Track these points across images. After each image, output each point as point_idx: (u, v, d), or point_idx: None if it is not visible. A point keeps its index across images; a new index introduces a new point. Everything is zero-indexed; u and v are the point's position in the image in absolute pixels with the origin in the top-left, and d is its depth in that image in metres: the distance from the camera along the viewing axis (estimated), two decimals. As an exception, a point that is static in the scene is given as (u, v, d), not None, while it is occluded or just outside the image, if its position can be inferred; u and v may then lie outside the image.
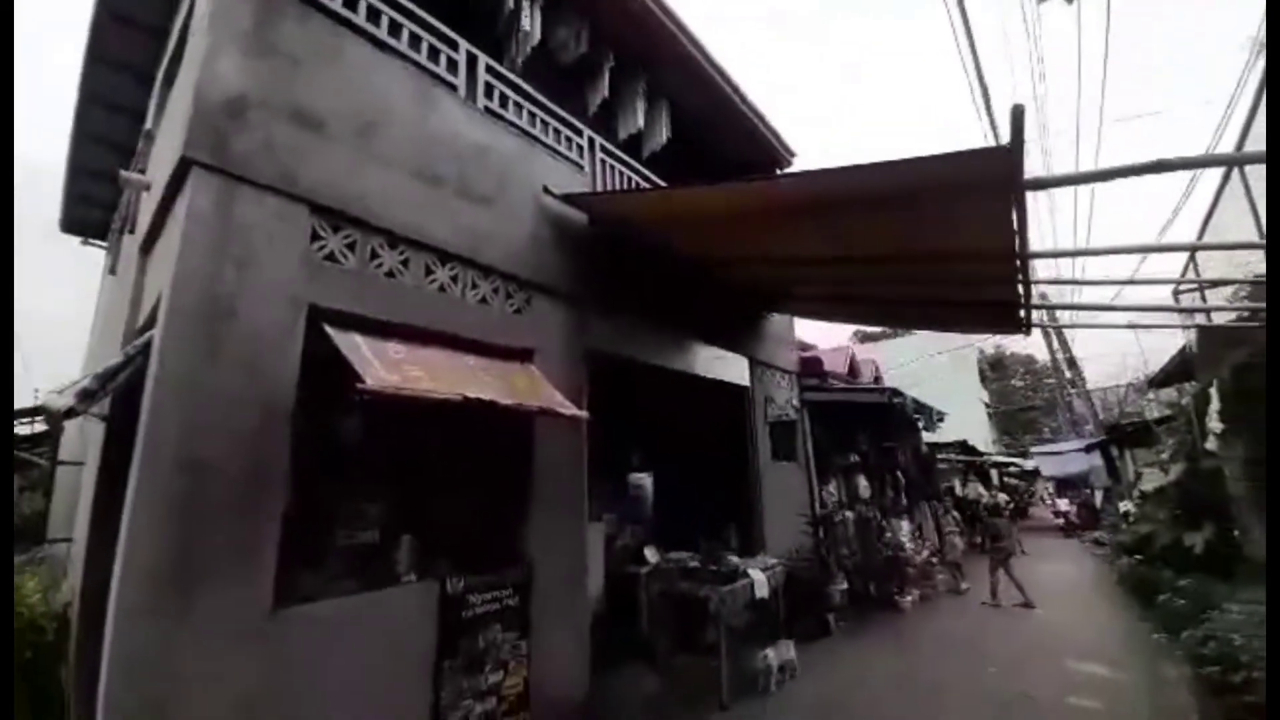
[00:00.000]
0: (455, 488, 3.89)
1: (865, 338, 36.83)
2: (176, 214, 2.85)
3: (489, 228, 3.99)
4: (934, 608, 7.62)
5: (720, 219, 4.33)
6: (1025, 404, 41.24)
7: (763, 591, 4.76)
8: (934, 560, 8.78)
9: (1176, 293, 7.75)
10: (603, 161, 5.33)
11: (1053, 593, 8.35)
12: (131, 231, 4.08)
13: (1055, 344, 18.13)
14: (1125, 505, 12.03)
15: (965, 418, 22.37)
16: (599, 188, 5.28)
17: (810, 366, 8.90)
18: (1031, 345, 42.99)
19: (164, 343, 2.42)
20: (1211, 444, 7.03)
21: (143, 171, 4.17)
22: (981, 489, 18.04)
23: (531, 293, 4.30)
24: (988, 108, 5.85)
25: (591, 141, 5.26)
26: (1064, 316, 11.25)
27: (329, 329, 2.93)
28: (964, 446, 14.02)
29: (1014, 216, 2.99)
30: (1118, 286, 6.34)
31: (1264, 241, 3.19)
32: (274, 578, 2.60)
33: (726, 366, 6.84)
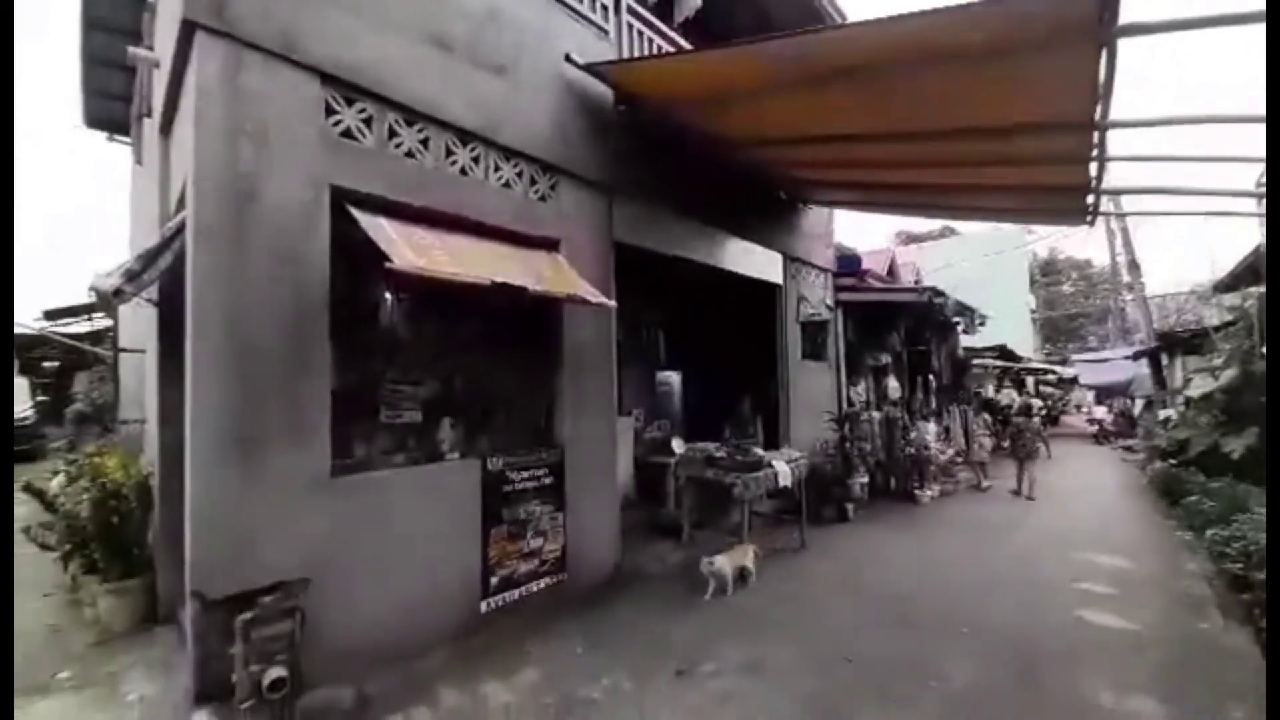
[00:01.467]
0: (491, 373, 4.02)
1: (909, 239, 34.81)
2: (187, 86, 2.74)
3: (507, 102, 3.73)
4: (951, 500, 7.84)
5: (756, 89, 3.92)
6: (1075, 310, 39.31)
7: (785, 481, 4.94)
8: (958, 459, 8.90)
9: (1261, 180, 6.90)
10: (629, 25, 4.81)
11: (1076, 491, 8.46)
12: (149, 115, 3.99)
13: (1119, 243, 16.74)
14: (1166, 412, 11.71)
15: (1009, 322, 21.51)
16: (626, 54, 4.81)
17: (847, 265, 8.53)
18: (1091, 246, 40.09)
19: (196, 226, 2.43)
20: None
21: (150, 48, 3.98)
22: (1015, 395, 17.80)
23: (557, 178, 4.11)
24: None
25: (617, 1, 4.72)
26: (1130, 205, 10.25)
27: (353, 210, 2.89)
28: (1003, 351, 13.61)
29: (1100, 72, 2.60)
30: (1197, 164, 5.65)
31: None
32: (329, 447, 2.81)
33: (759, 262, 6.60)
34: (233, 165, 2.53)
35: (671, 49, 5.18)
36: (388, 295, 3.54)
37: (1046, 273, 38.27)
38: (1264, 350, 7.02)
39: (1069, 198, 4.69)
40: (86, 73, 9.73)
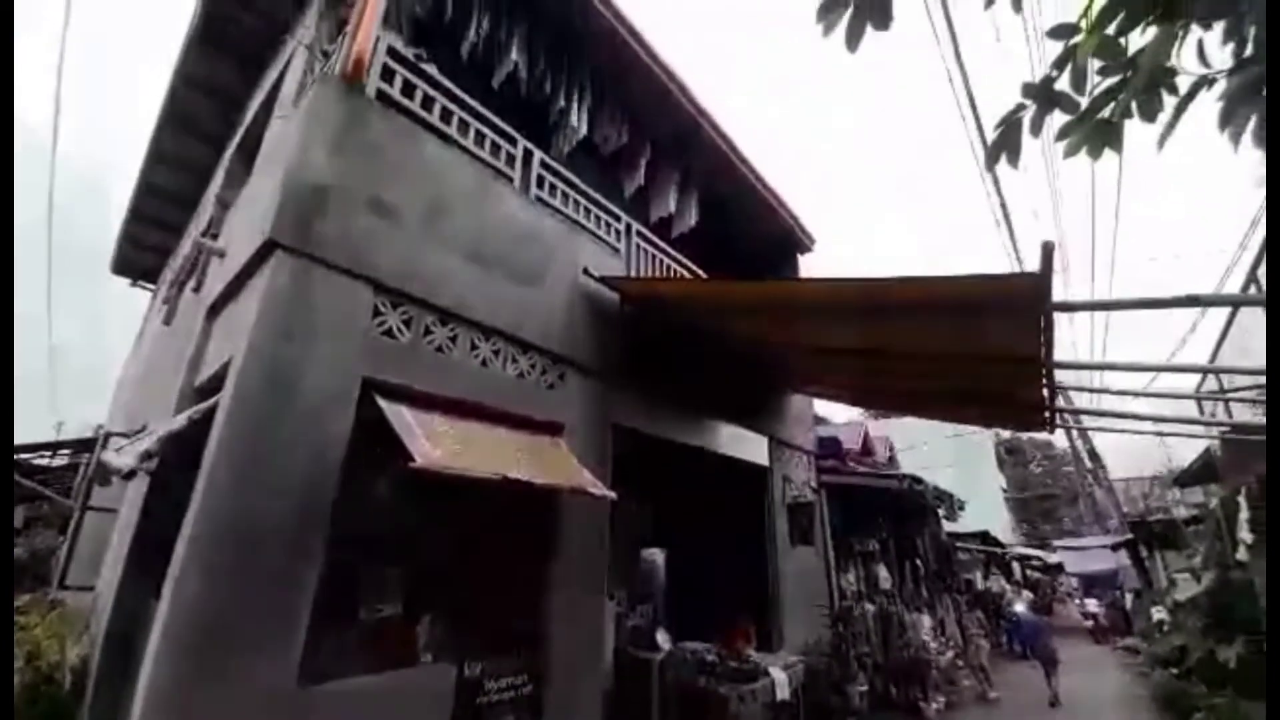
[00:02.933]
0: (479, 563, 3.86)
1: (879, 414, 36.47)
2: (253, 287, 3.06)
3: (531, 306, 4.20)
4: (961, 716, 7.12)
5: (749, 308, 4.53)
6: (1044, 491, 39.95)
7: (784, 692, 4.53)
8: (959, 663, 8.28)
9: (1199, 400, 7.73)
10: (638, 246, 5.64)
11: (1091, 707, 7.78)
12: (196, 290, 4.34)
13: (1076, 435, 17.82)
14: (1158, 613, 11.37)
15: (983, 504, 21.70)
16: (633, 269, 5.54)
17: (828, 446, 8.84)
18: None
19: (231, 413, 2.54)
20: (1243, 554, 6.77)
21: (215, 236, 4.49)
22: (1004, 583, 17.22)
23: (565, 368, 4.44)
24: (1008, 223, 6.17)
25: (629, 226, 5.59)
26: (1087, 419, 11.16)
27: (380, 400, 3.06)
28: (985, 537, 13.52)
29: (1040, 332, 3.11)
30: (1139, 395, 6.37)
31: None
32: (300, 651, 2.58)
33: (746, 445, 6.84)
34: (280, 362, 2.74)
35: (673, 263, 6.02)
36: (385, 483, 3.54)
37: (1012, 453, 39.59)
38: (1239, 552, 7.18)
39: (1030, 411, 5.17)
40: (129, 225, 10.65)
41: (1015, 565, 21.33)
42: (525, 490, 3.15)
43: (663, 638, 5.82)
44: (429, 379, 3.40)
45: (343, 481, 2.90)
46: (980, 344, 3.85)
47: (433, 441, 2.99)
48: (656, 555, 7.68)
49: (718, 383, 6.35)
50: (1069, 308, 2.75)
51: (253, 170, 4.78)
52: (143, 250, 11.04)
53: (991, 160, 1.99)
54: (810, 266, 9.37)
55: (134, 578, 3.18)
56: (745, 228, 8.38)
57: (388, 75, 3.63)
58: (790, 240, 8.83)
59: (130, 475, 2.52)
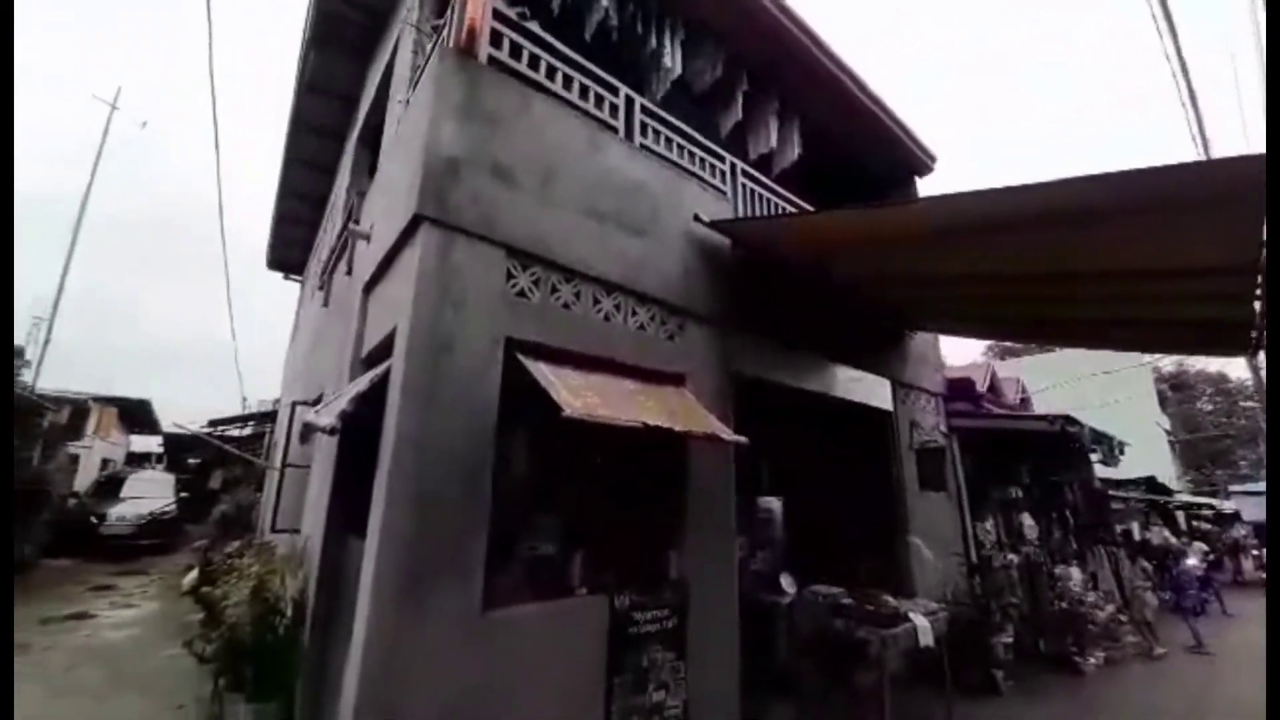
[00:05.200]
0: (616, 506, 4.08)
1: (1005, 352, 32.85)
2: (404, 261, 3.34)
3: (645, 257, 4.19)
4: (1123, 672, 6.52)
5: (869, 241, 4.17)
6: (1216, 432, 34.32)
7: (927, 639, 4.39)
8: (1121, 617, 7.53)
9: None
10: (743, 185, 5.39)
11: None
12: (349, 273, 4.83)
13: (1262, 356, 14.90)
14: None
15: (1142, 447, 19.01)
16: (740, 211, 5.32)
17: (958, 389, 8.15)
18: (1222, 361, 35.89)
19: (405, 373, 2.83)
20: None
21: (357, 222, 4.94)
22: (1168, 534, 15.24)
23: (683, 319, 4.42)
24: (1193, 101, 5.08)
25: (733, 167, 5.35)
26: None
27: (522, 358, 3.25)
28: (1151, 484, 11.93)
29: (1263, 228, 2.56)
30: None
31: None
32: (483, 582, 2.90)
33: (867, 389, 6.49)
34: (437, 325, 2.98)
35: (780, 202, 5.69)
36: (531, 432, 3.79)
37: (1177, 388, 34.25)
38: None
39: (1226, 332, 4.36)
40: (277, 225, 12.04)
41: (1179, 515, 18.70)
42: (663, 437, 3.23)
43: (786, 582, 5.86)
44: (558, 336, 3.55)
45: (498, 433, 3.14)
46: (1167, 252, 3.26)
47: (572, 394, 3.14)
48: (773, 503, 7.65)
49: (834, 324, 6.03)
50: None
51: (379, 156, 5.16)
52: (289, 246, 12.54)
53: None
54: (930, 189, 8.47)
55: (337, 521, 3.74)
56: (853, 154, 7.69)
57: (495, 39, 3.67)
58: (906, 161, 7.98)
59: (334, 431, 2.92)
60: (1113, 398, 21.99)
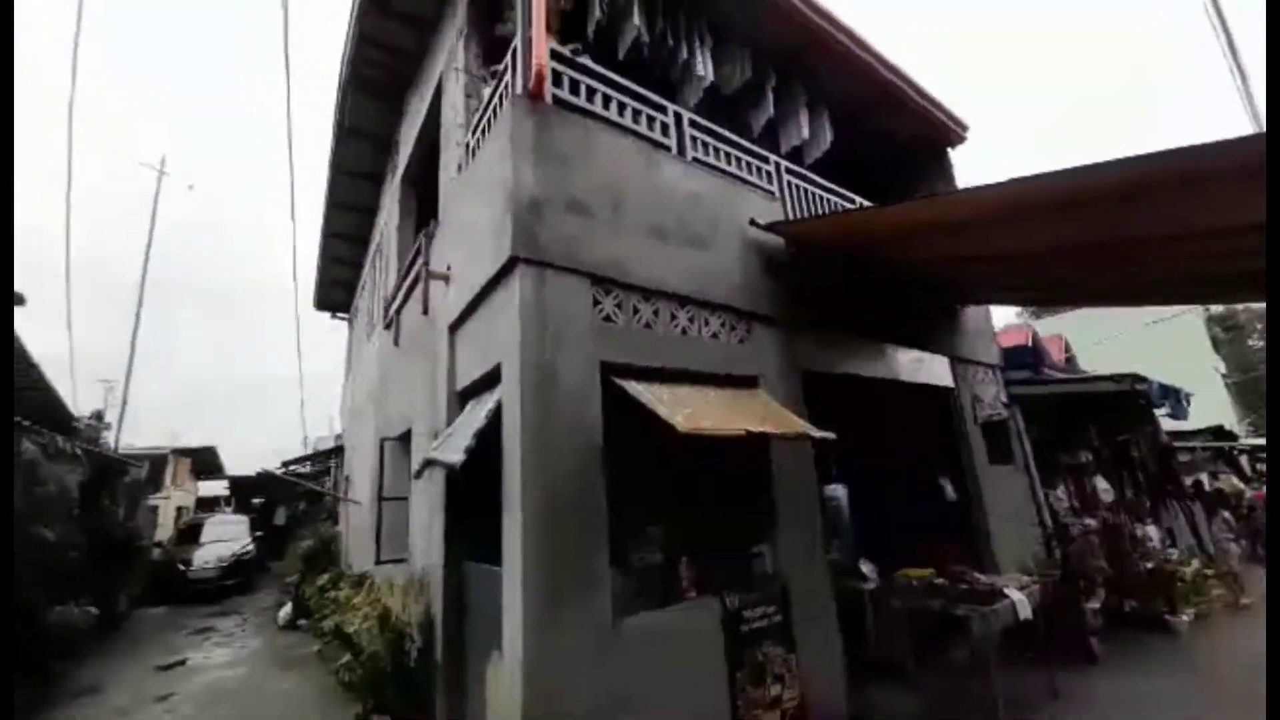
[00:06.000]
0: (709, 509, 4.23)
1: (1040, 310, 31.90)
2: (497, 301, 3.55)
3: (710, 267, 4.33)
4: (1215, 627, 6.41)
5: (926, 226, 4.23)
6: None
7: (1025, 612, 4.43)
8: (1206, 571, 7.38)
9: None
10: (789, 183, 5.48)
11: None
12: (425, 313, 5.08)
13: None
14: None
15: (1201, 395, 18.31)
16: (788, 209, 5.41)
17: (1016, 357, 8.08)
18: None
19: (522, 408, 3.03)
20: None
21: (427, 264, 5.19)
22: (1236, 480, 14.72)
23: (750, 322, 4.55)
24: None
25: (778, 166, 5.44)
26: None
27: (617, 380, 3.42)
28: (1219, 432, 11.57)
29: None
30: None
31: None
32: (610, 595, 3.09)
33: (927, 368, 6.51)
34: (542, 358, 3.18)
35: (826, 194, 5.77)
36: (629, 446, 3.95)
37: (1229, 328, 32.85)
38: None
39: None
40: (322, 267, 12.50)
41: (1244, 460, 17.98)
42: (760, 440, 3.38)
43: (868, 568, 5.94)
44: (643, 354, 3.72)
45: (604, 454, 3.33)
46: (1246, 212, 3.25)
47: (669, 408, 3.30)
48: (839, 491, 7.71)
49: (889, 308, 6.07)
50: None
51: (441, 197, 5.40)
52: (334, 286, 13.04)
53: None
54: (962, 158, 8.39)
55: (454, 549, 3.97)
56: (883, 132, 7.69)
57: (556, 79, 3.86)
58: (939, 134, 7.94)
59: (454, 469, 3.14)
60: (1164, 346, 21.25)
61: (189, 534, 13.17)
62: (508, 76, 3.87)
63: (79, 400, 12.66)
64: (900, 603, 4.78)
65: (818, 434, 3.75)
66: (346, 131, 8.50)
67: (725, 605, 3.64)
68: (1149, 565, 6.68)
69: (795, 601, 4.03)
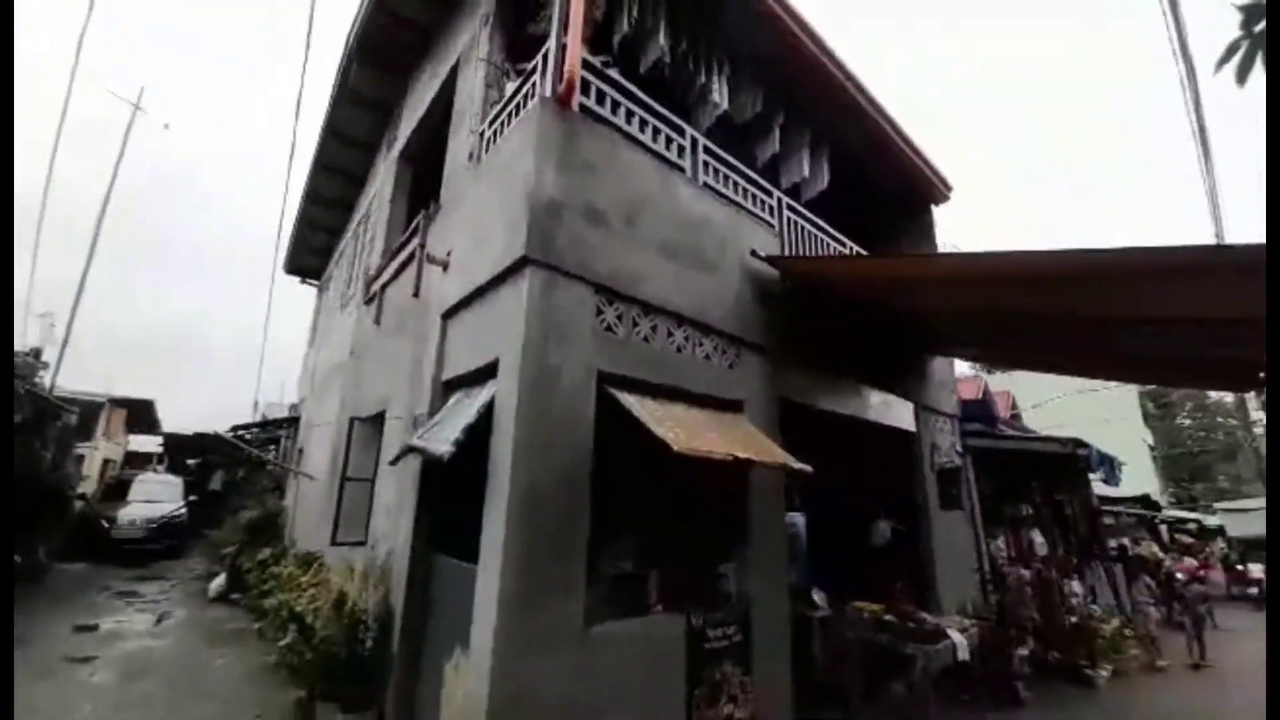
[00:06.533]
0: (681, 526, 4.30)
1: (989, 368, 33.56)
2: (502, 296, 3.55)
3: (710, 291, 4.44)
4: (1132, 684, 6.87)
5: (910, 280, 4.47)
6: (1197, 448, 35.43)
7: (964, 654, 4.67)
8: (1125, 631, 7.90)
9: None
10: (789, 219, 5.66)
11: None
12: (416, 295, 4.99)
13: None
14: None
15: (1130, 464, 19.62)
16: (786, 243, 5.59)
17: (971, 410, 8.51)
18: (1206, 379, 36.89)
19: (519, 404, 3.04)
20: None
21: (423, 246, 5.11)
22: (1155, 548, 15.80)
23: (740, 348, 4.67)
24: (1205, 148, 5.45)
25: (780, 201, 5.62)
26: None
27: (613, 391, 3.47)
28: (1146, 501, 12.42)
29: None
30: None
31: None
32: (584, 598, 3.11)
33: (893, 411, 6.79)
34: (543, 359, 3.20)
35: (822, 235, 5.99)
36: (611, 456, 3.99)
37: (1160, 405, 35.27)
38: None
39: (1236, 373, 4.72)
40: (298, 230, 12.09)
41: (1164, 529, 19.35)
42: (743, 466, 3.47)
43: (819, 597, 6.12)
44: (640, 367, 3.78)
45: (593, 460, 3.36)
46: (1194, 305, 3.58)
47: (659, 425, 3.37)
48: (799, 519, 7.90)
49: (866, 350, 6.32)
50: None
51: (445, 180, 5.35)
52: (308, 251, 12.60)
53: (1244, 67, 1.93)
54: (944, 215, 8.83)
55: (424, 539, 3.91)
56: (875, 182, 8.03)
57: (584, 87, 3.90)
58: (925, 190, 8.35)
59: (441, 460, 3.11)
60: (1098, 413, 22.67)
61: (116, 490, 12.39)
62: (536, 76, 3.90)
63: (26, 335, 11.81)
64: (852, 634, 4.95)
65: (797, 465, 3.88)
66: (348, 97, 8.30)
67: (690, 622, 3.70)
68: (1074, 619, 7.11)
69: (756, 624, 4.14)
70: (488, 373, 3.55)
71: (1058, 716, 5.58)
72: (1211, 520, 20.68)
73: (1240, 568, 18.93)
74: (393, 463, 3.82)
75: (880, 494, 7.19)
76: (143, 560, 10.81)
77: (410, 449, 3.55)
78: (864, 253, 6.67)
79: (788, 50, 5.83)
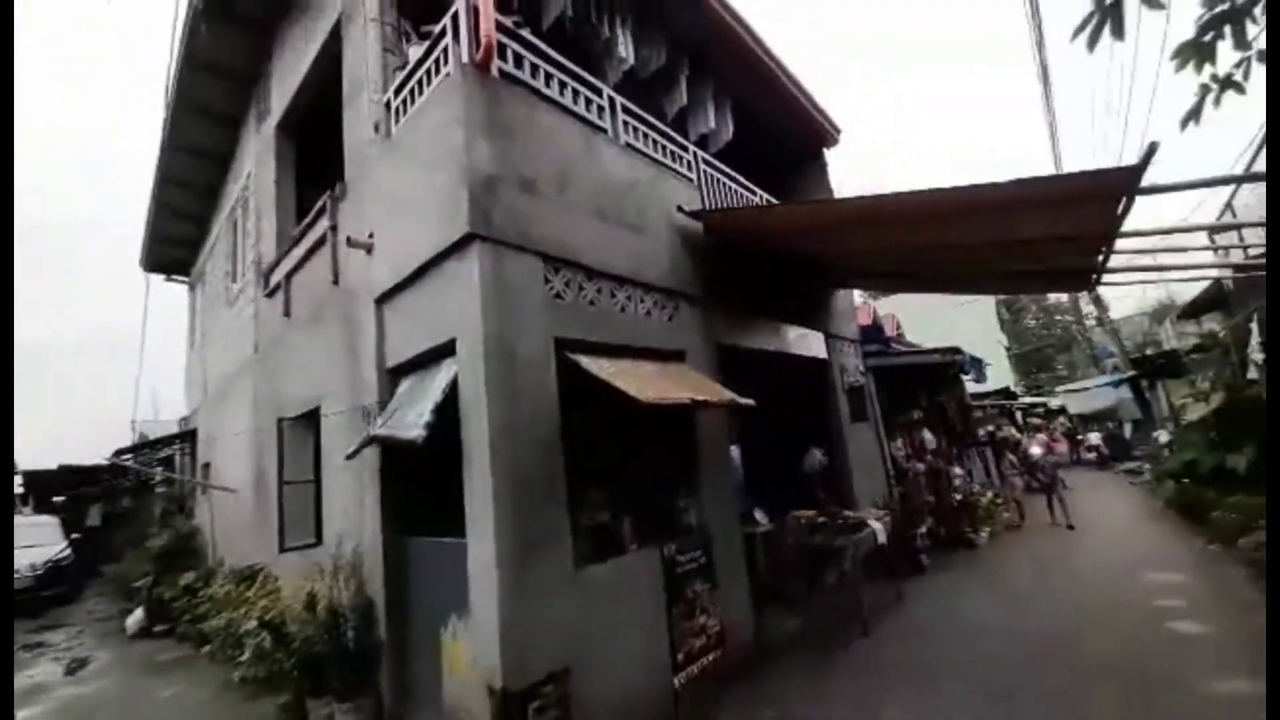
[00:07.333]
0: (642, 470, 4.65)
1: (875, 295, 37.22)
2: (446, 275, 3.52)
3: (644, 250, 4.64)
4: (1004, 540, 8.47)
5: (816, 226, 4.96)
6: (1040, 343, 41.88)
7: (882, 538, 5.55)
8: (998, 500, 9.60)
9: (1212, 234, 8.31)
10: (705, 172, 5.92)
11: (1108, 517, 9.21)
12: (335, 283, 4.74)
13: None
14: (1162, 435, 12.78)
15: (990, 363, 22.95)
16: (704, 195, 5.86)
17: (869, 333, 9.56)
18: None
19: (488, 379, 3.13)
20: (1253, 373, 7.70)
21: (335, 228, 4.81)
22: (1014, 431, 18.88)
23: (677, 301, 4.96)
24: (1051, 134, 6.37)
25: (696, 155, 5.84)
26: (1124, 275, 11.86)
27: (570, 355, 3.64)
28: (1007, 393, 14.72)
29: (1118, 212, 3.63)
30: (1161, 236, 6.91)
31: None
32: (571, 545, 3.37)
33: (808, 342, 7.51)
34: (501, 330, 3.28)
35: (735, 185, 6.33)
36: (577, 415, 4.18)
37: (1013, 311, 40.94)
38: (1248, 372, 8.10)
39: (1076, 276, 5.77)
40: (155, 221, 10.59)
41: (1018, 414, 23.08)
42: (688, 407, 3.82)
43: (760, 515, 6.86)
44: (590, 330, 3.96)
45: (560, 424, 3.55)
46: (1050, 227, 4.35)
47: (623, 381, 3.61)
48: (734, 450, 8.64)
49: (781, 290, 6.88)
50: (1156, 190, 3.25)
51: (346, 156, 4.98)
52: (169, 244, 11.04)
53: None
54: (835, 157, 9.53)
55: (393, 526, 3.93)
56: (773, 129, 8.46)
57: (500, 51, 3.80)
58: (817, 135, 8.93)
59: (414, 444, 3.14)
60: (965, 323, 26.06)
61: (-24, 542, 10.63)
62: (447, 40, 3.74)
63: None
64: (792, 539, 5.67)
65: (744, 402, 4.31)
66: (198, 64, 7.24)
67: (663, 554, 4.11)
68: (958, 498, 8.53)
69: (716, 546, 4.65)
70: (442, 352, 3.56)
71: (951, 574, 6.82)
72: (1055, 402, 24.92)
73: (1080, 438, 23.21)
74: (350, 456, 3.76)
75: (803, 417, 8.01)
76: (33, 610, 9.56)
77: (373, 439, 3.52)
78: (773, 200, 7.13)
79: (684, 2, 5.91)
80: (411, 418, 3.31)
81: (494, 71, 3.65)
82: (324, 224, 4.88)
